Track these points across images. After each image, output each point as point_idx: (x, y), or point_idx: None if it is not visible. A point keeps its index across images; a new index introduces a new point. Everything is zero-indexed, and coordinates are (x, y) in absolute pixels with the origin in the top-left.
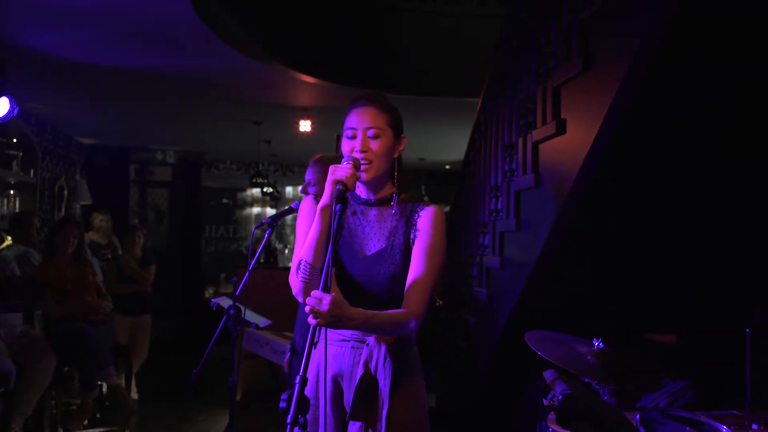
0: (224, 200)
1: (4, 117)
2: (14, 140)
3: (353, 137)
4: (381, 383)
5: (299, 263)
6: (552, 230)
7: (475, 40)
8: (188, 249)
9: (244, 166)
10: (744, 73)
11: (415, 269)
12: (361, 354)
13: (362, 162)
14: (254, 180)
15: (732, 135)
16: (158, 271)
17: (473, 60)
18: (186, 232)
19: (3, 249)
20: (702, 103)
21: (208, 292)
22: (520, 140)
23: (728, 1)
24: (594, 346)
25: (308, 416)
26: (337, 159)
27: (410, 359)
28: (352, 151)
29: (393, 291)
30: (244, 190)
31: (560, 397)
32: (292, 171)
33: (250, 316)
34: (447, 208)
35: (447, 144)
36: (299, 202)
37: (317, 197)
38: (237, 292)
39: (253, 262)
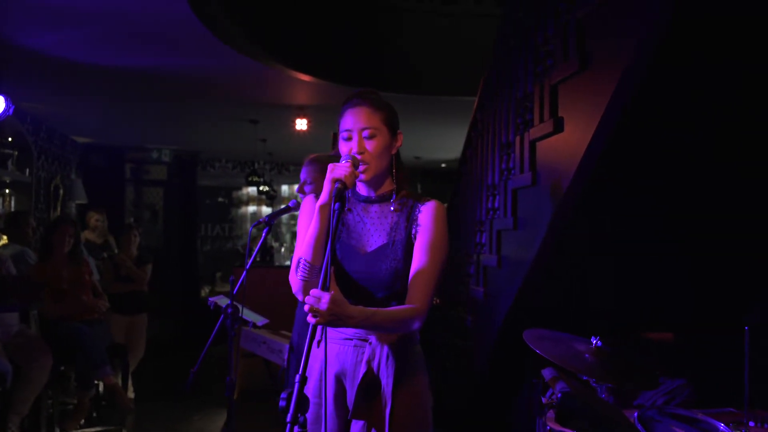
0: (220, 199)
1: (0, 116)
2: (9, 139)
3: (349, 138)
4: (383, 382)
5: (299, 262)
6: (549, 229)
7: (472, 40)
8: (184, 248)
9: (240, 165)
10: (742, 73)
11: (418, 264)
12: (363, 353)
13: (360, 164)
14: (250, 179)
15: (730, 134)
16: (154, 270)
17: (470, 59)
18: (182, 231)
19: None
20: (700, 103)
21: (204, 291)
22: (517, 138)
23: (726, 1)
24: (592, 344)
25: (311, 415)
26: (332, 158)
27: (413, 358)
28: (349, 152)
29: (395, 287)
30: (239, 188)
31: (559, 395)
32: (287, 169)
33: (248, 314)
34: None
35: (442, 142)
36: (296, 201)
37: (316, 196)
38: (234, 291)
39: (250, 261)
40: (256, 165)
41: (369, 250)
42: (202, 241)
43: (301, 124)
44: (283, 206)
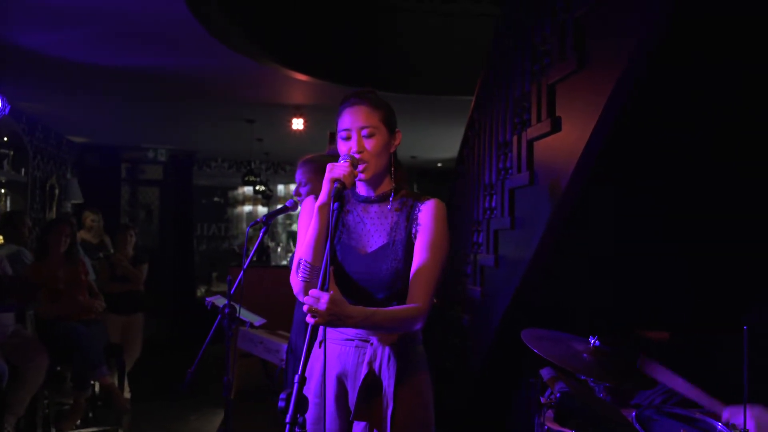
0: (216, 198)
1: None
2: (5, 139)
3: (348, 138)
4: (385, 383)
5: (299, 263)
6: (546, 228)
7: (470, 39)
8: (180, 247)
9: (236, 165)
10: (741, 73)
11: (419, 263)
12: (365, 353)
13: (359, 163)
14: (246, 178)
15: (729, 134)
16: (150, 269)
17: (468, 58)
18: (177, 231)
19: None
20: (699, 102)
21: (200, 291)
22: (515, 138)
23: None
24: (590, 343)
25: (312, 416)
26: (326, 158)
27: (415, 358)
28: (348, 152)
29: (395, 287)
30: (235, 188)
31: (558, 395)
32: (284, 169)
33: (245, 314)
34: None
35: (439, 142)
36: (293, 201)
37: (315, 197)
38: (232, 291)
39: (248, 261)
40: (253, 165)
41: (369, 250)
42: (198, 241)
43: (298, 123)
44: (280, 206)
